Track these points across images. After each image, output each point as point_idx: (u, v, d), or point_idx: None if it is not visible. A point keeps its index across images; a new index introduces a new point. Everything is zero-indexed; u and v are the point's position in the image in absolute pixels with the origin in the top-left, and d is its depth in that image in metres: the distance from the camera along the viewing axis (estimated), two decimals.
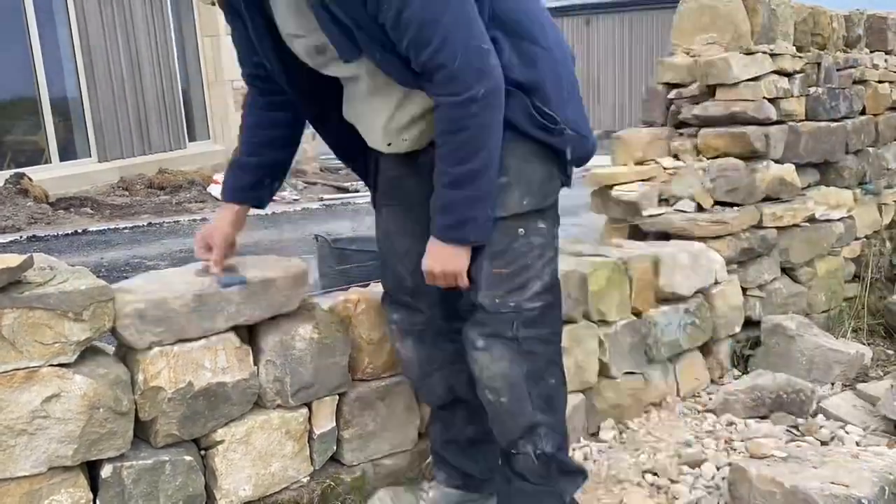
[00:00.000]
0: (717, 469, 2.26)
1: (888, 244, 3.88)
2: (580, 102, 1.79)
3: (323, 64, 1.68)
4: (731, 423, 2.55)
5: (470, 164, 1.57)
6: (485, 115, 1.55)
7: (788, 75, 3.08)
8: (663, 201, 3.15)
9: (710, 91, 2.95)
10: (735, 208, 2.88)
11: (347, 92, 1.78)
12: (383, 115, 1.72)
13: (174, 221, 6.84)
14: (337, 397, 2.05)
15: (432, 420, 2.09)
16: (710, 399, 2.79)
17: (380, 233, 1.95)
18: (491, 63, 1.55)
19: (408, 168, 1.80)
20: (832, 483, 1.84)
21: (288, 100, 1.81)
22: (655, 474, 2.29)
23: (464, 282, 1.69)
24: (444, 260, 1.66)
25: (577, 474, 1.91)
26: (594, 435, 2.54)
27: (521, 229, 1.70)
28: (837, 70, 3.42)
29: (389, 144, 1.78)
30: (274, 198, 2.05)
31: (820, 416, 2.59)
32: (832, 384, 2.83)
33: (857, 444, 2.39)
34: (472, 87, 1.52)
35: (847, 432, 2.48)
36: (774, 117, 2.97)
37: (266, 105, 1.87)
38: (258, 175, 1.92)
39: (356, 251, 2.50)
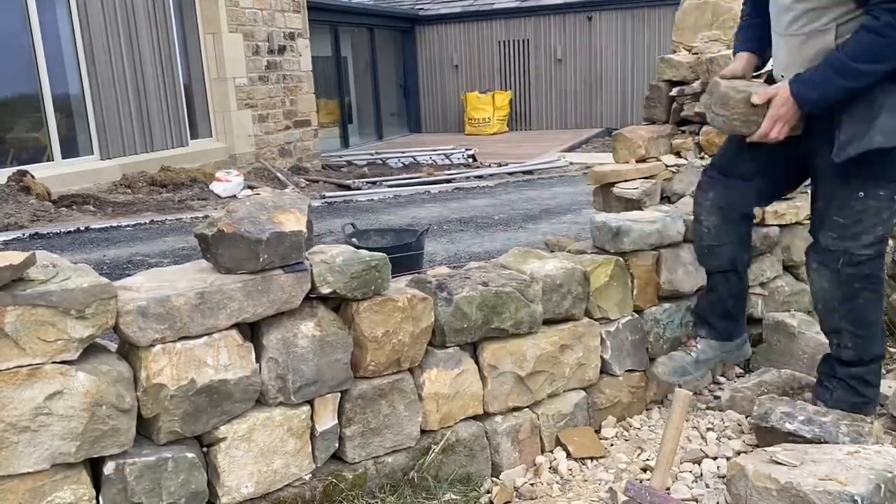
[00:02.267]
0: (717, 466, 2.27)
1: (891, 242, 3.87)
2: None
3: None
4: (735, 421, 2.55)
5: (863, 66, 1.99)
6: None
7: None
8: (665, 199, 3.16)
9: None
10: None
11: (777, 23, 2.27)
12: (793, 45, 2.20)
13: (176, 219, 6.85)
14: (339, 395, 2.06)
15: (705, 289, 2.61)
16: (712, 397, 2.79)
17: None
18: None
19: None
20: (828, 480, 1.84)
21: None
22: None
23: (782, 133, 2.16)
24: (784, 113, 2.13)
25: (868, 403, 2.34)
26: (597, 432, 2.54)
27: (860, 192, 2.16)
28: None
29: (782, 77, 2.26)
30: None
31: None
32: None
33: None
34: None
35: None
36: None
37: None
38: (759, 31, 2.41)
39: (376, 231, 2.72)
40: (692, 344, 2.60)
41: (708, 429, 2.54)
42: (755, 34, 2.43)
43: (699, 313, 2.63)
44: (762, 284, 3.07)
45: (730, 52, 2.87)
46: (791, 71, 2.21)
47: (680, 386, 2.48)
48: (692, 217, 2.55)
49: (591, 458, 2.39)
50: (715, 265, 2.50)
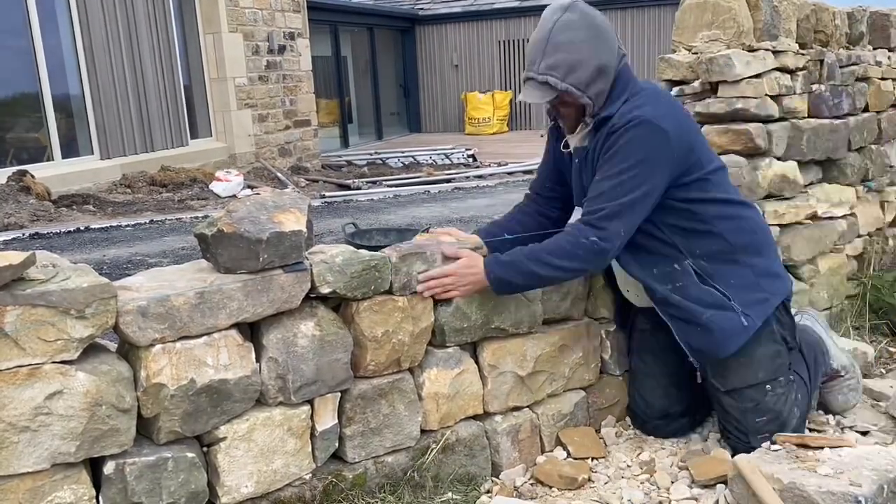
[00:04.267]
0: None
1: (891, 242, 3.87)
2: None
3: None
4: None
5: (544, 269, 2.10)
6: (581, 264, 2.12)
7: (791, 72, 3.07)
8: None
9: (712, 88, 2.94)
10: None
11: None
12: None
13: (176, 219, 6.84)
14: (339, 394, 2.06)
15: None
16: None
17: (633, 369, 2.56)
18: (609, 253, 2.11)
19: (653, 322, 2.36)
20: (830, 480, 1.84)
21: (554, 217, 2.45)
22: (655, 471, 2.30)
23: (447, 294, 2.14)
24: (467, 274, 2.13)
25: None
26: (597, 432, 2.54)
27: (767, 386, 2.25)
28: (840, 67, 3.41)
29: (628, 291, 2.44)
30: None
31: (821, 412, 2.59)
32: None
33: (861, 436, 2.39)
34: (594, 235, 2.07)
35: (850, 428, 2.48)
36: (777, 114, 2.97)
37: (535, 213, 2.49)
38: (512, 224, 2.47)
39: (378, 230, 2.75)
40: None
41: (708, 430, 2.54)
42: (507, 226, 2.43)
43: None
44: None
45: (730, 51, 2.87)
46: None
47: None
48: None
49: (592, 458, 2.39)
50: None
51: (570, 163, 2.33)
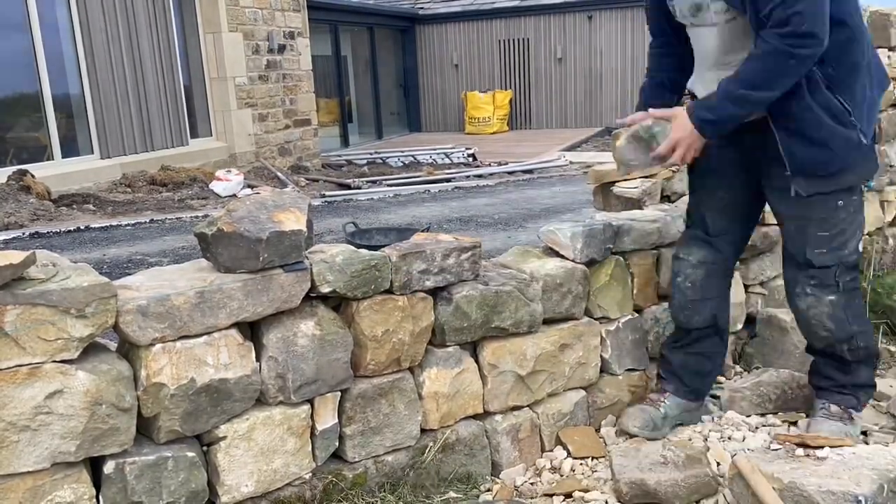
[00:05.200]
0: (717, 465, 2.27)
1: (891, 241, 3.87)
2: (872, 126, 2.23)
3: (694, 22, 2.26)
4: (733, 421, 2.55)
5: (754, 93, 2.03)
6: (791, 70, 2.01)
7: None
8: (665, 198, 3.15)
9: None
10: None
11: (697, 56, 2.34)
12: (713, 75, 2.20)
13: (176, 218, 6.84)
14: (339, 394, 2.06)
15: (672, 343, 2.56)
16: (710, 396, 2.79)
17: (696, 186, 2.48)
18: (823, 39, 1.98)
19: (728, 141, 2.26)
20: (831, 480, 1.84)
21: (678, 55, 2.42)
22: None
23: (687, 157, 2.16)
24: (686, 136, 2.13)
25: (870, 388, 2.45)
26: (597, 431, 2.54)
27: (839, 201, 2.19)
28: None
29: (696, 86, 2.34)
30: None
31: None
32: None
33: (863, 436, 2.39)
34: (799, 48, 1.97)
35: None
36: None
37: (666, 54, 2.47)
38: (661, 91, 2.46)
39: (378, 230, 2.73)
40: (659, 399, 2.51)
41: (710, 429, 2.54)
42: (658, 93, 2.44)
43: (671, 368, 2.54)
44: (762, 283, 3.07)
45: None
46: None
47: (733, 455, 2.20)
48: (672, 273, 2.51)
49: (592, 458, 2.39)
50: (696, 321, 2.46)
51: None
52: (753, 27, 2.07)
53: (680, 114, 2.16)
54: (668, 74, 2.45)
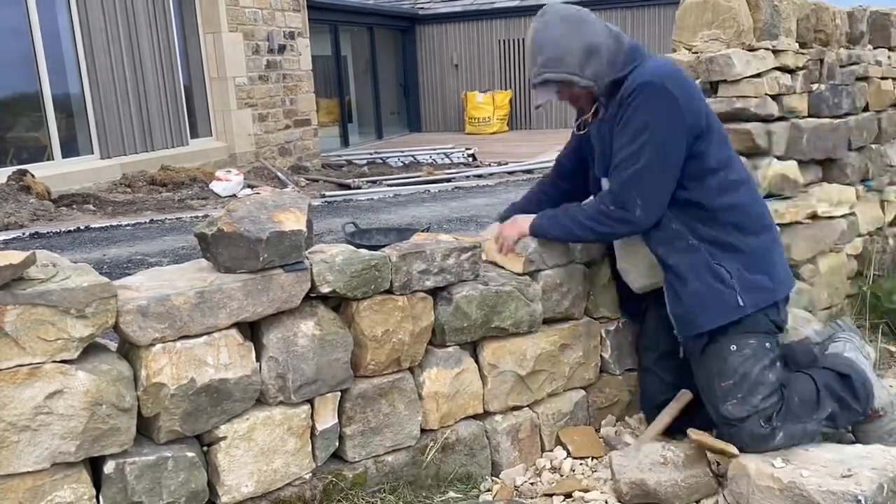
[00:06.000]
0: (717, 464, 2.27)
1: (891, 241, 3.87)
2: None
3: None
4: None
5: (577, 227, 2.26)
6: (607, 229, 2.22)
7: (791, 72, 3.07)
8: None
9: (712, 87, 2.94)
10: None
11: None
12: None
13: (176, 218, 6.84)
14: (339, 394, 2.06)
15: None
16: None
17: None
18: (633, 220, 2.17)
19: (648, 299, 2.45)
20: (831, 479, 1.84)
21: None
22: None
23: (507, 246, 2.37)
24: (512, 227, 2.37)
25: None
26: (597, 431, 2.54)
27: (732, 346, 2.17)
28: (840, 66, 3.41)
29: (625, 271, 2.47)
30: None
31: None
32: None
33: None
34: (612, 204, 2.18)
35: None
36: (777, 114, 2.96)
37: (554, 185, 2.68)
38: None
39: (378, 230, 2.74)
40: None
41: None
42: (535, 199, 2.63)
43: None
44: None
45: (730, 51, 2.87)
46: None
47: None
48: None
49: (592, 458, 2.39)
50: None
51: (590, 142, 2.41)
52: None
53: (524, 220, 2.38)
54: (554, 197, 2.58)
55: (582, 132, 2.44)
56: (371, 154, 11.97)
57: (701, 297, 2.16)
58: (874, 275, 3.57)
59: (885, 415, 2.31)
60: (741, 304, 2.15)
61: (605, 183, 2.32)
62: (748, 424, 2.12)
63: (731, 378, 2.15)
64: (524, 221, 2.37)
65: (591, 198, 2.39)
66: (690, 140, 2.14)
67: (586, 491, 2.18)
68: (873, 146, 3.73)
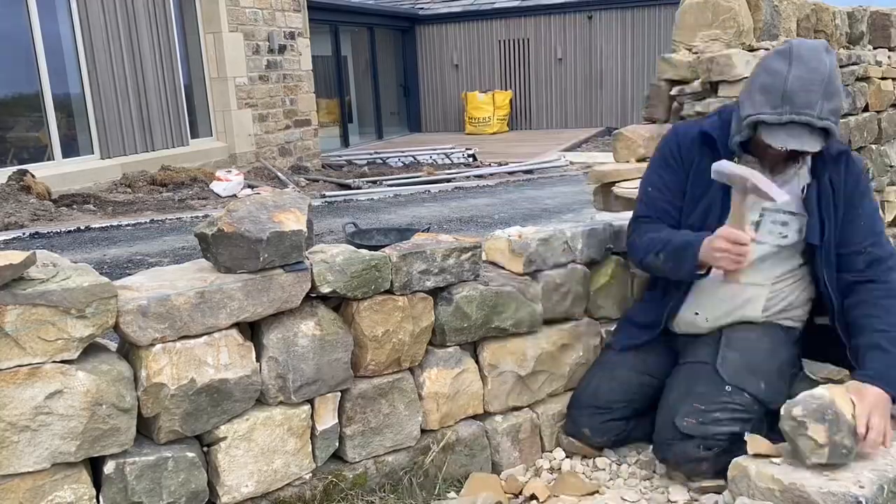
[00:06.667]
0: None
1: (892, 241, 3.87)
2: None
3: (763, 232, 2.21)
4: None
5: None
6: None
7: None
8: None
9: (712, 87, 2.94)
10: None
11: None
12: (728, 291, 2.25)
13: (176, 218, 6.85)
14: (339, 394, 2.06)
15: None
16: None
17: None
18: None
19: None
20: (831, 481, 1.84)
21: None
22: (654, 471, 2.30)
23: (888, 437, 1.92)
24: (884, 407, 1.93)
25: None
26: None
27: (727, 387, 2.13)
28: (840, 67, 3.41)
29: (697, 314, 2.34)
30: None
31: None
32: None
33: None
34: None
35: None
36: None
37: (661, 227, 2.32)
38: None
39: (378, 230, 2.72)
40: None
41: None
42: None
43: None
44: None
45: (730, 51, 2.87)
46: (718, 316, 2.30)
47: None
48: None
49: (591, 458, 2.39)
50: None
51: (723, 197, 2.17)
52: (825, 263, 2.18)
53: (872, 390, 1.94)
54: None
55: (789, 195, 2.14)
56: (371, 154, 11.98)
57: None
58: None
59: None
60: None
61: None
62: (688, 444, 2.11)
63: (705, 405, 2.12)
64: (879, 395, 1.93)
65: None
66: None
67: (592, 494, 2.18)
68: (873, 146, 3.74)
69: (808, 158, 2.16)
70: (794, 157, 2.11)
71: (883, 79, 3.80)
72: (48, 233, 6.15)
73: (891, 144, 3.93)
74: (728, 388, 2.14)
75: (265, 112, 10.15)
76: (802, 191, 2.19)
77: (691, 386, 2.18)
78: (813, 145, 2.00)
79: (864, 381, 1.96)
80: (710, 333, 2.30)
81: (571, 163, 10.26)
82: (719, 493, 2.11)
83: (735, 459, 2.02)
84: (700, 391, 2.16)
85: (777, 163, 2.15)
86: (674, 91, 3.10)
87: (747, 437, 2.03)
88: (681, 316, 2.36)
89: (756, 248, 2.18)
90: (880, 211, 2.13)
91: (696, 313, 2.34)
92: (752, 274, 2.22)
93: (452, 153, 11.43)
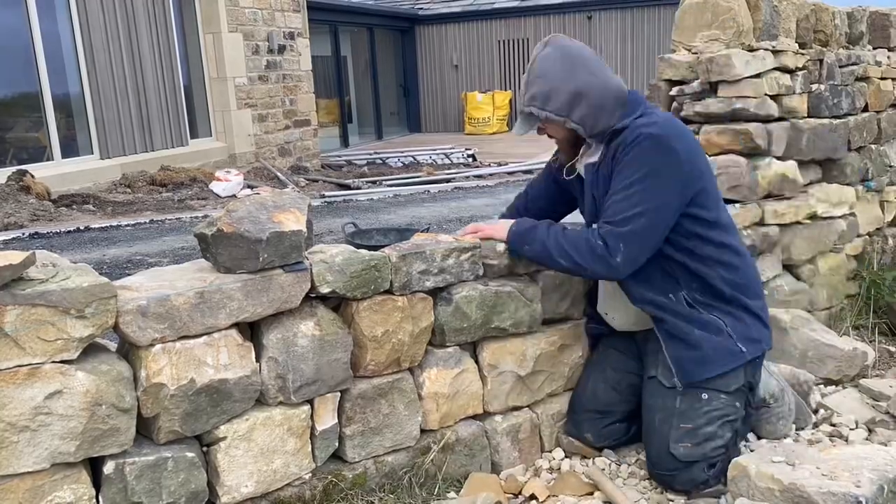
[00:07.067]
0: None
1: (890, 241, 3.87)
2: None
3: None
4: None
5: (555, 250, 2.14)
6: (585, 262, 2.12)
7: (791, 72, 3.07)
8: None
9: (711, 88, 2.94)
10: (737, 205, 2.88)
11: None
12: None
13: (176, 218, 6.84)
14: (339, 394, 2.06)
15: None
16: None
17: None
18: (613, 263, 2.09)
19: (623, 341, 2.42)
20: (831, 481, 1.84)
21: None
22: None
23: (478, 235, 2.30)
24: (492, 227, 2.30)
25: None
26: None
27: (704, 395, 2.18)
28: (840, 67, 3.41)
29: (607, 315, 2.44)
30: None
31: (822, 412, 2.59)
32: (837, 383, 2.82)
33: (854, 439, 2.39)
34: (601, 244, 2.09)
35: (850, 429, 2.48)
36: (776, 114, 2.97)
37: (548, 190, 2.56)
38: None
39: (378, 230, 2.75)
40: None
41: None
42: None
43: None
44: (762, 284, 3.06)
45: (730, 51, 2.87)
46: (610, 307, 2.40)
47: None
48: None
49: (591, 458, 2.39)
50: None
51: (573, 187, 2.37)
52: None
53: (503, 224, 2.30)
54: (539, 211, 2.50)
55: (570, 177, 2.33)
56: (371, 154, 11.97)
57: (706, 343, 2.15)
58: (874, 272, 3.57)
59: (774, 403, 2.41)
60: (742, 350, 2.17)
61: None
62: (693, 469, 2.15)
63: (692, 423, 2.16)
64: (503, 226, 2.27)
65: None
66: (687, 198, 2.11)
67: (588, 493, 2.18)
68: (873, 146, 3.74)
69: (592, 142, 2.22)
70: (560, 144, 2.31)
71: (882, 79, 3.79)
72: (48, 233, 6.15)
73: (890, 144, 3.93)
74: (704, 395, 2.17)
75: (265, 112, 10.15)
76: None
77: (670, 406, 2.20)
78: (521, 128, 2.25)
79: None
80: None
81: None
82: (717, 497, 2.12)
83: (735, 459, 2.03)
84: (681, 409, 2.18)
85: (565, 150, 2.33)
86: (673, 91, 3.09)
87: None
88: (600, 314, 2.44)
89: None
90: (633, 188, 2.08)
91: (606, 313, 2.41)
92: (618, 304, 2.34)
93: (452, 153, 11.43)
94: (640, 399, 2.33)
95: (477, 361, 2.31)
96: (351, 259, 2.01)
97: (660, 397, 2.23)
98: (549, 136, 2.29)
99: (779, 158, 3.02)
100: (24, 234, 6.05)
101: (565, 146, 2.31)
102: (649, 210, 2.05)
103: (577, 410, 2.43)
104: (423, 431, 2.22)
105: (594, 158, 2.23)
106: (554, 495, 2.18)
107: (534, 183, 2.60)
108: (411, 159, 11.32)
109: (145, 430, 1.80)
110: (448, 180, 9.32)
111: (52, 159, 7.81)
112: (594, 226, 2.16)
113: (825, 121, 3.28)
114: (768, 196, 3.00)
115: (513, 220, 2.29)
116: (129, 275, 1.97)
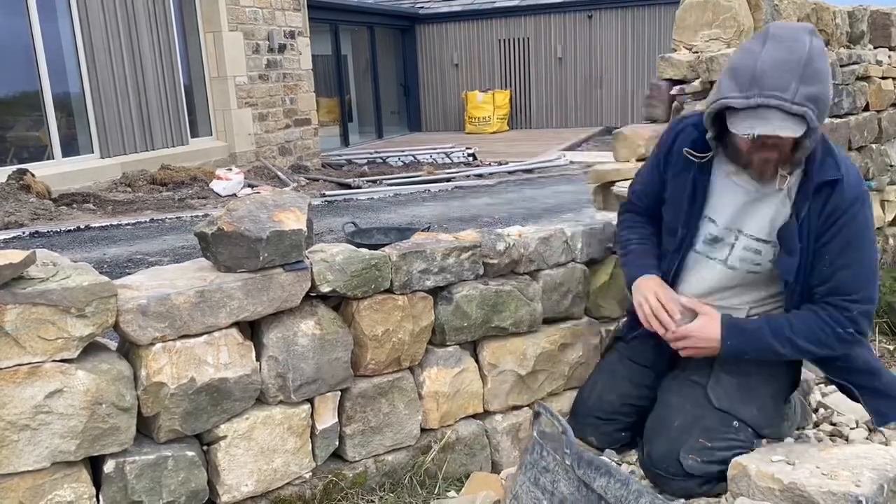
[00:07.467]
0: None
1: (891, 241, 3.87)
2: None
3: (721, 249, 2.11)
4: None
5: (787, 349, 2.01)
6: (830, 352, 2.03)
7: None
8: None
9: (712, 87, 2.94)
10: None
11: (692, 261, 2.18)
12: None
13: (176, 217, 6.85)
14: (339, 393, 2.06)
15: None
16: None
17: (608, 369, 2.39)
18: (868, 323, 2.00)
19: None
20: (831, 480, 1.83)
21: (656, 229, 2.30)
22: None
23: (685, 352, 2.11)
24: (701, 339, 2.06)
25: None
26: None
27: (735, 423, 2.08)
28: (840, 66, 3.41)
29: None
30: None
31: (821, 412, 2.59)
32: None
33: (855, 438, 2.39)
34: (853, 329, 1.97)
35: (851, 428, 2.47)
36: None
37: (645, 222, 2.33)
38: (653, 257, 2.27)
39: (379, 229, 2.73)
40: None
41: None
42: (652, 261, 2.24)
43: None
44: None
45: (731, 50, 2.87)
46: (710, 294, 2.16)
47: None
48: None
49: None
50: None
51: (695, 190, 2.10)
52: (796, 289, 2.03)
53: (711, 316, 2.06)
54: (654, 248, 2.27)
55: (705, 176, 2.04)
56: (371, 153, 11.98)
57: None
58: None
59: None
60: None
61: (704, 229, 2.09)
62: (690, 482, 2.09)
63: (712, 443, 2.07)
64: (713, 329, 2.02)
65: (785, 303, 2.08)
66: None
67: None
68: (873, 146, 3.74)
69: (796, 175, 1.96)
70: (773, 158, 1.91)
71: (883, 78, 3.79)
72: (48, 232, 6.15)
73: (891, 144, 3.93)
74: (735, 423, 2.09)
75: (265, 111, 10.15)
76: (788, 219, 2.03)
77: (698, 417, 2.10)
78: (785, 129, 1.74)
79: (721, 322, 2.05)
80: None
81: (571, 162, 10.26)
82: (717, 497, 2.12)
83: (735, 459, 2.02)
84: (707, 425, 2.08)
85: (763, 170, 1.95)
86: (674, 90, 3.09)
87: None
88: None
89: (728, 274, 2.13)
90: (872, 265, 1.98)
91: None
92: (728, 297, 2.15)
93: (452, 152, 11.43)
94: (647, 410, 2.26)
95: (477, 360, 2.31)
96: (351, 258, 2.01)
97: (689, 402, 2.13)
98: (759, 150, 1.90)
99: None
100: (24, 232, 6.05)
101: (770, 167, 1.94)
102: (876, 277, 2.00)
103: (581, 414, 2.37)
104: (423, 430, 2.22)
105: (785, 187, 1.98)
106: None
107: (643, 197, 2.31)
108: (412, 158, 11.32)
109: (145, 428, 1.80)
110: (448, 179, 9.33)
111: (53, 158, 7.81)
112: (828, 299, 1.98)
113: (826, 120, 3.27)
114: None
115: (719, 321, 2.04)
116: (129, 274, 1.97)
